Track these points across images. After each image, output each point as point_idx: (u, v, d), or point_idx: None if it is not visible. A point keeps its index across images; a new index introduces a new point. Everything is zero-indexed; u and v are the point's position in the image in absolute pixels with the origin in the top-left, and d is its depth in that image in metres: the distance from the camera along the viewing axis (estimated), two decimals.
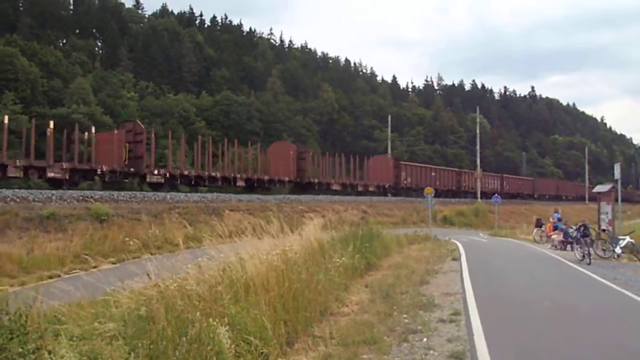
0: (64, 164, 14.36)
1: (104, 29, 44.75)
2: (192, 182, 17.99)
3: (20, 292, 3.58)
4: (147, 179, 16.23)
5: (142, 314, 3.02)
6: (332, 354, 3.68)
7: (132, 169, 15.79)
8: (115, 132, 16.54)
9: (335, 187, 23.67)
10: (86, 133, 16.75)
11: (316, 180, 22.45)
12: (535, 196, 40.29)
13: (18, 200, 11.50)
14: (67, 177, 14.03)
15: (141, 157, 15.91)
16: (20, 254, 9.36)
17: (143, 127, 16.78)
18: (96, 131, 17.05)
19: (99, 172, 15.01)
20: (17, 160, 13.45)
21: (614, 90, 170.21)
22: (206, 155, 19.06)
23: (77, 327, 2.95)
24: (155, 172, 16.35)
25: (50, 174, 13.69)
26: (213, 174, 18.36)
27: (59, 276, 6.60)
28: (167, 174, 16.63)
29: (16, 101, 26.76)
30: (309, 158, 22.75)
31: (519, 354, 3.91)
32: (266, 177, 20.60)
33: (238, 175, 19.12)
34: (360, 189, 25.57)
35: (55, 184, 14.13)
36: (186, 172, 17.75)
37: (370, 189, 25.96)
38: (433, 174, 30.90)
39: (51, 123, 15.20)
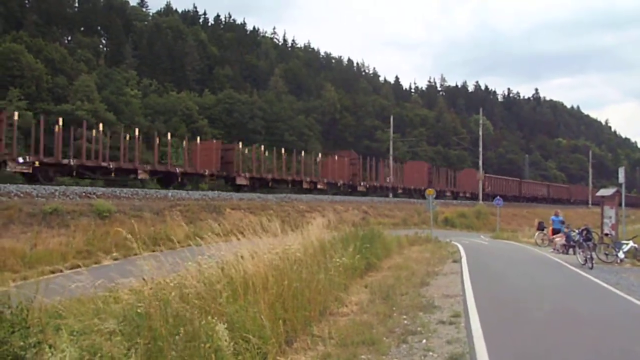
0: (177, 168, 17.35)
1: (109, 26, 44.97)
2: (269, 184, 21.05)
3: (23, 286, 3.62)
4: (237, 181, 19.39)
5: (139, 311, 3.03)
6: (331, 353, 3.68)
7: (224, 173, 19.34)
8: (214, 141, 21.14)
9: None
10: (93, 131, 16.97)
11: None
12: (572, 201, 45.14)
13: (22, 195, 11.60)
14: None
15: (231, 162, 19.43)
16: (23, 248, 9.44)
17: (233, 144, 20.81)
18: (200, 140, 19.73)
19: (205, 174, 18.31)
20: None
21: (618, 93, 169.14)
22: (282, 160, 22.47)
23: (78, 322, 2.97)
24: (242, 174, 19.76)
25: (141, 176, 16.02)
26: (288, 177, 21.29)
27: (61, 271, 6.65)
28: (251, 177, 20.10)
29: (21, 97, 26.98)
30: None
31: (518, 357, 3.90)
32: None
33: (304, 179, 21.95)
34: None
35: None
36: (267, 176, 20.78)
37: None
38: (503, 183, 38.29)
39: (60, 120, 15.49)
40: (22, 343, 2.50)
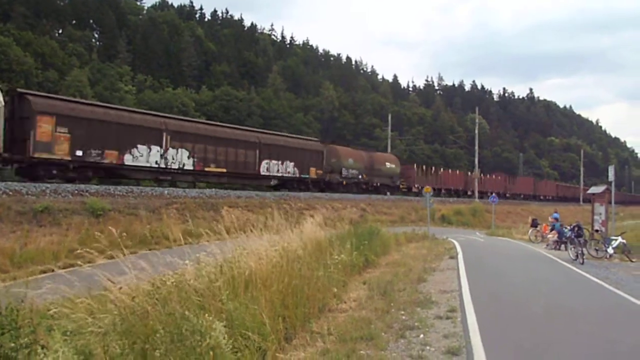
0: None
1: (102, 19, 44.03)
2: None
3: (12, 286, 3.53)
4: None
5: (136, 309, 2.97)
6: (330, 349, 3.67)
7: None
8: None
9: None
10: None
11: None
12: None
13: (11, 193, 11.33)
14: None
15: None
16: (13, 248, 9.23)
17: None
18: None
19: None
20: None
21: (609, 94, 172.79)
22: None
23: (71, 322, 2.90)
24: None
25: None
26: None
27: (53, 271, 6.51)
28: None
29: None
30: None
31: (513, 350, 3.94)
32: None
33: None
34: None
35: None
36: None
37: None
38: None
39: None
40: (12, 344, 2.43)
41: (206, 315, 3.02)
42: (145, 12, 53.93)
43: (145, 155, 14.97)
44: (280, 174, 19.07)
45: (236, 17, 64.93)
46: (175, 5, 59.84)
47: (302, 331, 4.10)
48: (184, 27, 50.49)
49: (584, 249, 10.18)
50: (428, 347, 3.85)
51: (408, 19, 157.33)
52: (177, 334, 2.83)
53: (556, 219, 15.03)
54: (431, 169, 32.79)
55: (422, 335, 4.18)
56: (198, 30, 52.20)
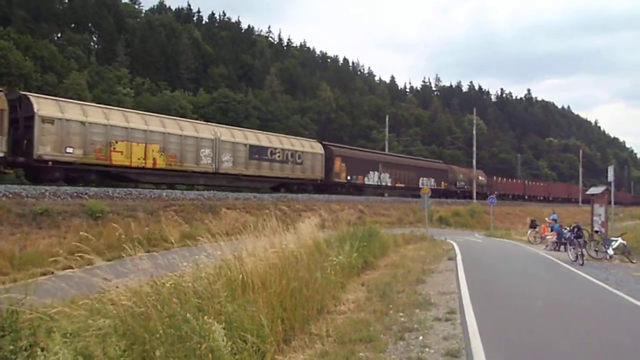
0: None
1: (100, 23, 44.13)
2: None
3: (12, 289, 3.53)
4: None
5: (136, 311, 2.99)
6: (328, 351, 3.68)
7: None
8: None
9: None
10: None
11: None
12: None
13: (10, 195, 11.31)
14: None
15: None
16: (12, 250, 9.21)
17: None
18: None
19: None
20: None
21: (607, 94, 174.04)
22: None
23: (71, 324, 2.91)
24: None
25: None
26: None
27: (52, 273, 6.50)
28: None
29: None
30: None
31: (513, 352, 3.95)
32: None
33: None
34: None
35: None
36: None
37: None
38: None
39: None
40: (12, 347, 2.43)
41: (205, 317, 3.04)
42: (143, 15, 54.11)
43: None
44: (430, 187, 28.66)
45: (233, 20, 65.28)
46: (173, 8, 60.19)
47: (301, 333, 4.11)
48: (182, 30, 50.66)
49: (583, 250, 10.17)
50: (427, 349, 3.86)
51: (405, 20, 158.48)
52: (177, 335, 2.84)
53: (555, 220, 15.07)
54: (498, 178, 40.30)
55: (421, 337, 4.18)
56: (195, 33, 52.35)
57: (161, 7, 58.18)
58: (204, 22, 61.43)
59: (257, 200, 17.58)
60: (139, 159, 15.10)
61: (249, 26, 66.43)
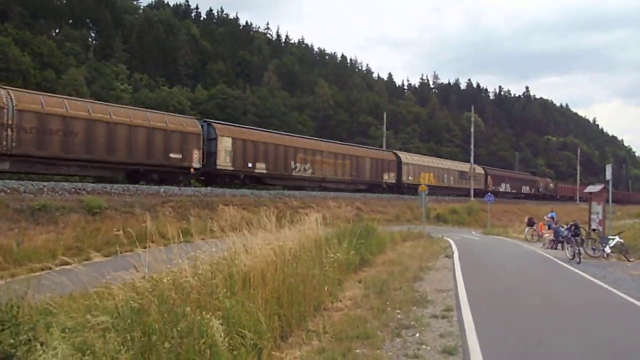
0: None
1: (98, 19, 43.69)
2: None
3: (11, 283, 3.53)
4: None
5: (134, 306, 3.00)
6: (325, 348, 3.70)
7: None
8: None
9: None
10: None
11: None
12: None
13: (8, 191, 11.27)
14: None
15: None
16: (10, 245, 9.20)
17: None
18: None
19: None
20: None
21: (605, 92, 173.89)
22: None
23: (70, 319, 2.92)
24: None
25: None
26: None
27: (50, 268, 6.51)
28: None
29: None
30: None
31: (509, 349, 3.99)
32: None
33: None
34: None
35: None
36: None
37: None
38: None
39: None
40: (12, 341, 2.45)
41: (203, 312, 3.06)
42: (141, 11, 53.51)
43: None
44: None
45: (231, 16, 64.82)
46: (171, 4, 59.52)
47: (298, 329, 4.13)
48: (180, 26, 50.19)
49: (580, 248, 10.19)
50: (424, 346, 3.88)
51: (403, 17, 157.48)
52: (176, 331, 2.86)
53: (552, 218, 15.15)
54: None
55: (418, 334, 4.20)
56: (193, 29, 51.87)
57: (159, 3, 57.58)
58: (201, 18, 60.97)
59: (254, 197, 17.60)
60: None
61: (247, 22, 66.07)
